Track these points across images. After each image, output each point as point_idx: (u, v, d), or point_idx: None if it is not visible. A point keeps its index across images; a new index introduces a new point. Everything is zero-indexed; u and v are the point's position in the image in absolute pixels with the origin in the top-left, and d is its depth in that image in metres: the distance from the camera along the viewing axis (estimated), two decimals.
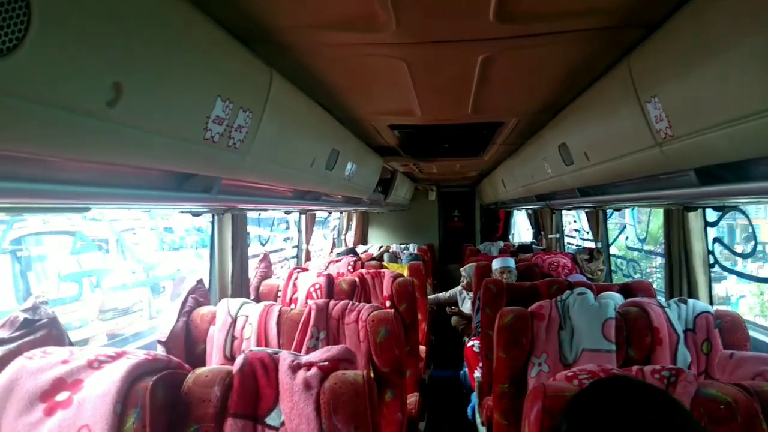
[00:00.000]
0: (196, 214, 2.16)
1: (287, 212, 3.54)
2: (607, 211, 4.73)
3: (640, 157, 1.64)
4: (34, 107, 0.70)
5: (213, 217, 2.85)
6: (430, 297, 5.17)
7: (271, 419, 1.51)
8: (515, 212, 8.39)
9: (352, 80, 1.92)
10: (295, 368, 1.58)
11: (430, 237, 8.16)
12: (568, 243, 6.37)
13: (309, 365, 1.59)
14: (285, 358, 1.62)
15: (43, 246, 9.19)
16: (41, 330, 1.68)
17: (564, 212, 6.32)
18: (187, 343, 2.39)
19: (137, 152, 0.99)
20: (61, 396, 1.42)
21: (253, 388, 1.55)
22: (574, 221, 6.99)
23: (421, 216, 8.22)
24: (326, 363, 1.61)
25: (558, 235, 6.24)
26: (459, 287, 5.13)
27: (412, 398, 3.12)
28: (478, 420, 3.26)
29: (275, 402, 1.54)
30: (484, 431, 3.01)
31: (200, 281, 2.61)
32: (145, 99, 0.91)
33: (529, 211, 7.23)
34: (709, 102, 1.12)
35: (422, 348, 4.06)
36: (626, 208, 3.65)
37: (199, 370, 1.57)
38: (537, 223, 7.13)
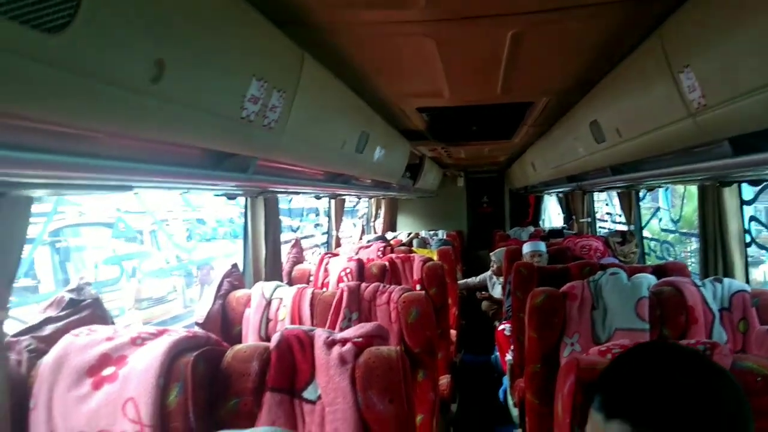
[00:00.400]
0: (231, 197, 2.21)
1: (317, 197, 3.58)
2: (640, 192, 4.66)
3: (673, 130, 1.62)
4: (83, 81, 0.73)
5: (246, 201, 2.90)
6: (460, 282, 5.18)
7: (308, 393, 1.55)
8: (545, 197, 8.31)
9: (382, 61, 1.93)
10: (330, 344, 1.61)
11: (459, 223, 8.14)
12: (600, 227, 6.29)
13: (344, 341, 1.62)
14: (320, 334, 1.66)
15: (81, 237, 9.46)
16: (86, 309, 1.75)
17: (595, 196, 6.24)
18: (224, 324, 2.46)
19: (178, 129, 1.03)
20: (107, 371, 1.48)
21: (289, 363, 1.59)
22: (606, 205, 6.89)
23: (449, 202, 8.20)
24: (360, 339, 1.64)
25: (589, 220, 6.16)
26: (489, 272, 5.13)
27: (444, 380, 3.15)
28: (510, 402, 3.27)
29: (311, 377, 1.58)
30: (516, 412, 3.02)
31: (234, 265, 2.68)
32: (186, 76, 0.95)
33: (560, 195, 7.14)
34: (744, 68, 1.11)
35: (452, 332, 4.08)
36: (659, 186, 3.58)
37: (238, 347, 1.62)
38: (568, 207, 7.05)
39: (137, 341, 1.54)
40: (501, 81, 2.25)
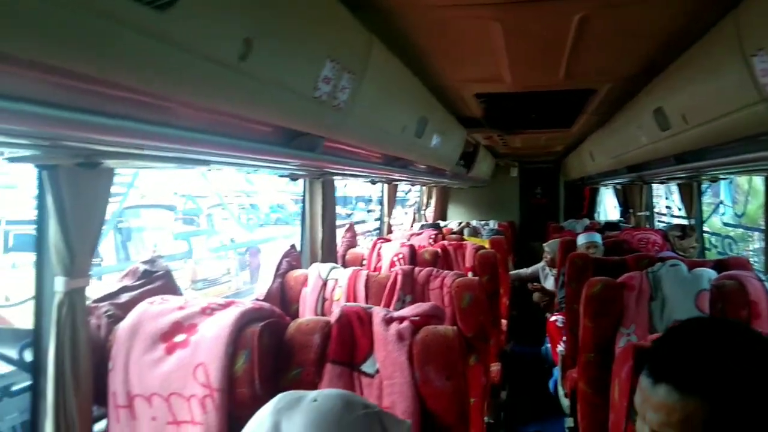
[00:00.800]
0: (294, 178, 2.28)
1: (373, 182, 3.63)
2: (702, 185, 4.51)
3: (743, 116, 1.58)
4: (182, 55, 0.79)
5: (305, 184, 2.98)
6: (512, 272, 5.14)
7: (367, 367, 1.60)
8: (601, 190, 8.11)
9: (445, 46, 1.94)
10: (388, 321, 1.65)
11: (511, 214, 8.04)
12: (658, 221, 6.11)
13: (401, 319, 1.66)
14: (378, 312, 1.70)
15: (141, 219, 9.85)
16: (158, 280, 1.85)
17: (654, 190, 6.06)
18: (282, 302, 2.54)
19: (259, 106, 1.08)
20: (179, 337, 1.56)
21: (349, 337, 1.64)
22: (666, 198, 6.69)
23: (501, 192, 8.11)
24: (417, 318, 1.68)
25: (647, 213, 6.00)
26: (542, 263, 5.08)
27: (495, 367, 3.16)
28: (561, 392, 3.25)
29: (370, 351, 1.62)
30: (567, 403, 3.01)
31: (293, 246, 2.76)
32: (270, 55, 1.00)
33: (618, 187, 6.97)
34: None
35: (503, 322, 4.07)
36: (724, 177, 3.46)
37: (300, 320, 1.69)
38: (624, 200, 6.87)
39: (207, 311, 1.62)
40: (564, 66, 2.22)
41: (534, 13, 1.60)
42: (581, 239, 4.17)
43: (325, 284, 2.59)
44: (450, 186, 6.98)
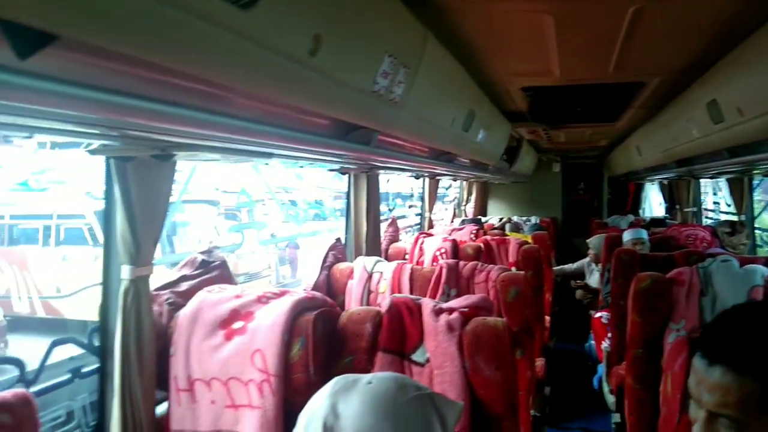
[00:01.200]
0: (344, 172, 2.32)
1: (417, 176, 3.66)
2: (754, 180, 4.38)
3: None
4: (259, 49, 0.84)
5: (350, 179, 3.03)
6: (556, 268, 5.09)
7: (417, 356, 1.63)
8: (646, 186, 7.94)
9: (495, 39, 1.95)
10: (437, 312, 1.68)
11: (553, 210, 7.93)
12: (706, 217, 5.95)
13: (450, 310, 1.69)
14: (427, 303, 1.73)
15: (185, 213, 10.09)
16: (215, 270, 1.92)
17: (701, 187, 5.90)
18: (329, 293, 2.59)
19: (324, 99, 1.13)
20: (237, 324, 1.62)
21: (399, 327, 1.67)
22: (715, 194, 6.50)
23: (543, 188, 8.01)
24: (466, 309, 1.70)
25: (695, 209, 5.84)
26: (587, 259, 5.01)
27: (539, 363, 3.15)
28: (606, 389, 3.22)
29: (420, 341, 1.65)
30: (613, 399, 2.98)
31: (338, 240, 2.82)
32: (336, 51, 1.04)
33: (665, 182, 6.81)
34: None
35: (546, 318, 4.05)
36: None
37: (352, 310, 1.73)
38: (671, 196, 6.70)
39: (262, 299, 1.68)
40: (614, 59, 2.20)
41: (588, 6, 1.59)
42: (627, 236, 4.10)
43: (370, 277, 2.64)
44: (491, 181, 6.95)
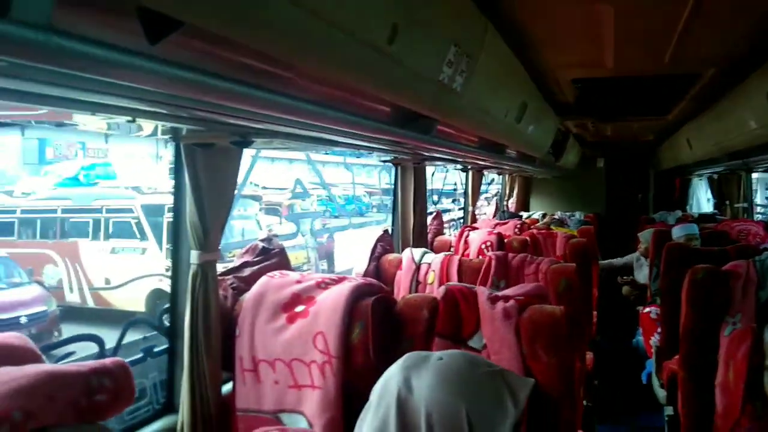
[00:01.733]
0: (396, 163, 2.36)
1: (465, 169, 3.67)
2: None
3: None
4: (342, 36, 0.88)
5: (397, 172, 3.07)
6: (603, 262, 5.02)
7: (473, 342, 1.66)
8: (693, 181, 7.73)
9: (550, 30, 1.96)
10: (493, 299, 1.70)
11: (596, 206, 7.79)
12: (758, 213, 5.77)
13: (506, 298, 1.71)
14: (483, 290, 1.76)
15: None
16: (275, 257, 1.98)
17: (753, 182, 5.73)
18: None
19: (394, 87, 1.16)
20: (299, 308, 1.68)
21: (455, 313, 1.70)
22: (766, 189, 6.31)
23: (586, 183, 7.86)
24: (521, 297, 1.72)
25: (746, 205, 5.68)
26: (636, 254, 4.93)
27: (588, 356, 3.13)
28: (656, 383, 3.18)
29: (476, 327, 1.68)
30: (664, 393, 2.94)
31: (386, 231, 2.86)
32: (410, 39, 1.08)
33: (713, 177, 6.63)
34: None
35: (594, 313, 4.01)
36: None
37: (408, 296, 1.76)
38: (720, 191, 6.52)
39: (322, 285, 1.73)
40: (671, 50, 2.17)
41: None
42: (677, 231, 4.02)
43: (418, 268, 2.67)
44: (534, 176, 6.89)
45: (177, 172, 1.63)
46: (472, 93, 1.64)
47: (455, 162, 3.16)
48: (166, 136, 1.27)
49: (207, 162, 1.49)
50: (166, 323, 1.67)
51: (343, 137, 1.45)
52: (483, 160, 3.16)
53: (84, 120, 1.16)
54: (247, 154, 1.67)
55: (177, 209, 1.68)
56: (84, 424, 0.81)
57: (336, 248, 12.46)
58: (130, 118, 0.99)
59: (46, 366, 0.85)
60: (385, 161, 2.24)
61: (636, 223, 6.11)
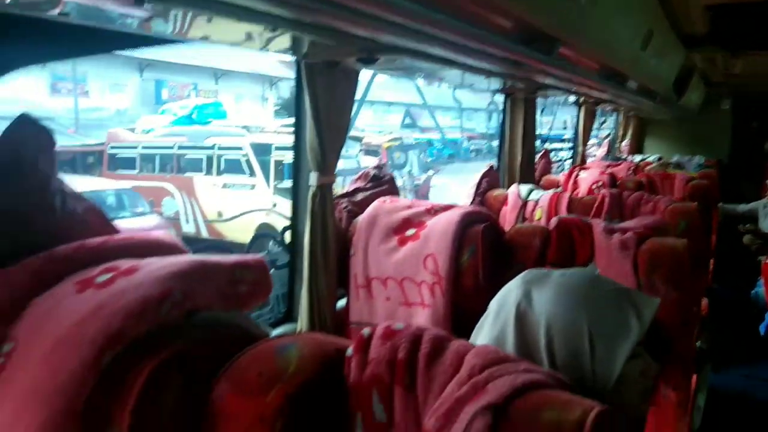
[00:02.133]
0: (508, 93, 2.29)
1: (577, 102, 3.51)
2: None
3: None
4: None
5: (505, 105, 2.99)
6: (727, 206, 4.68)
7: None
8: None
9: None
10: (609, 231, 1.65)
11: (719, 152, 7.16)
12: None
13: (624, 230, 1.65)
14: (598, 222, 1.71)
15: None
16: (385, 184, 2.04)
17: None
18: None
19: None
20: (410, 231, 1.72)
21: (568, 244, 1.67)
22: None
23: (708, 126, 7.22)
24: (640, 230, 1.65)
25: None
26: (763, 200, 4.56)
27: (703, 302, 2.99)
28: None
29: (590, 259, 1.65)
30: None
31: (491, 167, 2.83)
32: None
33: None
34: None
35: (710, 261, 3.79)
36: None
37: (519, 225, 1.76)
38: None
39: (431, 211, 1.76)
40: None
41: None
42: None
43: (524, 204, 2.63)
44: (649, 117, 6.45)
45: (298, 95, 1.69)
46: (599, 12, 1.54)
47: (570, 93, 3.02)
48: (288, 53, 1.31)
49: (327, 84, 1.53)
50: (288, 240, 1.78)
51: (464, 56, 1.42)
52: (601, 91, 2.99)
53: (209, 31, 1.19)
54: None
55: (297, 131, 1.75)
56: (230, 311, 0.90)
57: (431, 192, 12.58)
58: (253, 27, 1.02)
59: (197, 256, 0.94)
60: (496, 91, 2.18)
61: (764, 171, 5.60)
